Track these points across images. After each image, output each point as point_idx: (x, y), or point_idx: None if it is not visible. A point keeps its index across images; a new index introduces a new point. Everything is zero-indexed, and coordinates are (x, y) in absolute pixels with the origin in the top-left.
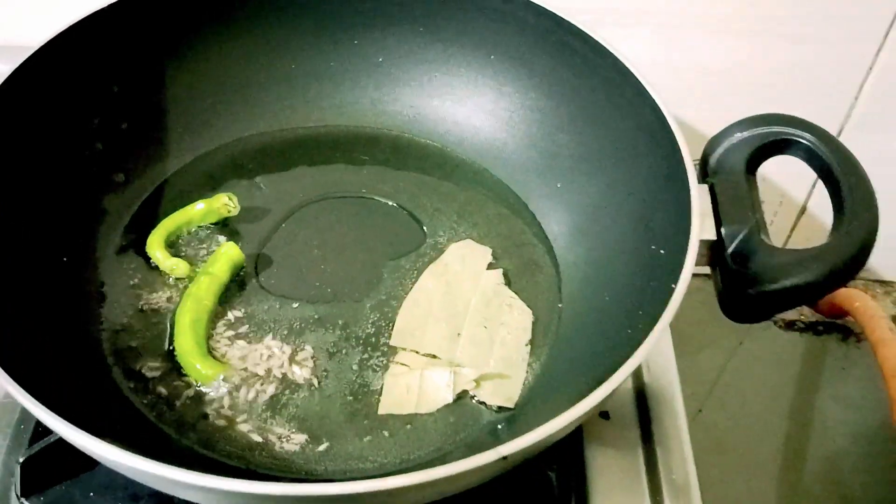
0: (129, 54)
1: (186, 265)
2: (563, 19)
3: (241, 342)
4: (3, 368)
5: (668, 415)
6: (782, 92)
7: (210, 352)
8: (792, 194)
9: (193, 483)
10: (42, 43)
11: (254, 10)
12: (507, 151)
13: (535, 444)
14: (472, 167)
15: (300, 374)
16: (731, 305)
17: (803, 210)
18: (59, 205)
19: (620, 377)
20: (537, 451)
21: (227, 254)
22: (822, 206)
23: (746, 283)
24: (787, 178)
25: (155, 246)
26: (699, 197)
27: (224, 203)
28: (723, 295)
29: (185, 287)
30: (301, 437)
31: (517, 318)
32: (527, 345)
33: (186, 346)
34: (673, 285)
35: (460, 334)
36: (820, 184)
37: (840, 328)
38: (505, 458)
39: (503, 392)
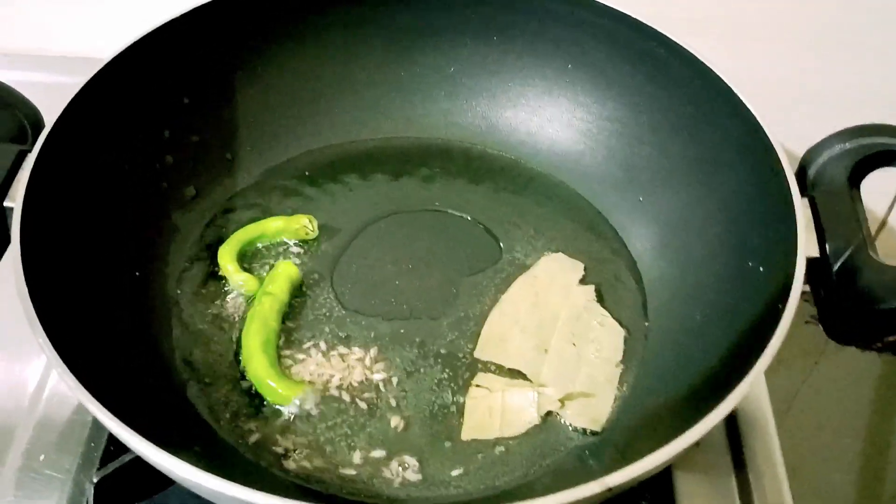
0: (199, 66)
1: (256, 281)
2: (645, 25)
3: (315, 361)
4: (84, 386)
5: (760, 440)
6: (875, 106)
7: (283, 372)
8: (872, 207)
9: None
10: (113, 55)
11: (324, 22)
12: (584, 164)
13: (641, 475)
14: (548, 180)
15: (379, 394)
16: (837, 327)
17: (883, 223)
18: (131, 219)
19: (729, 406)
20: (639, 481)
21: (286, 272)
22: None
23: (855, 303)
24: (865, 188)
25: (226, 258)
26: (802, 210)
27: (303, 225)
28: (827, 316)
29: (251, 304)
30: (382, 462)
31: (608, 336)
32: (617, 365)
33: (260, 368)
34: (781, 306)
35: (547, 350)
36: None
37: None
38: (610, 489)
39: (589, 413)
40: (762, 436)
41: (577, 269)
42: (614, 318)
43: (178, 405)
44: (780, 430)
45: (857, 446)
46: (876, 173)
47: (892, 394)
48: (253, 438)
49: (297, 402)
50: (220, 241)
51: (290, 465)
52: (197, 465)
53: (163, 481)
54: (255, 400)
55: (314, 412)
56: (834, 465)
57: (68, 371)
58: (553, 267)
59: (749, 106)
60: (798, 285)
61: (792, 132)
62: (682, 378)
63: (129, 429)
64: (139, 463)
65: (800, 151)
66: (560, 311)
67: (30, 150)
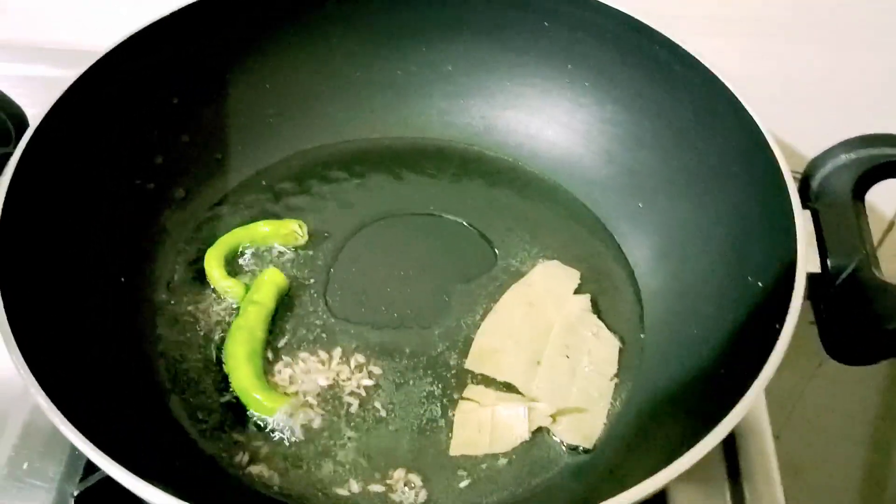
0: (190, 64)
1: (242, 287)
2: (648, 27)
3: (301, 370)
4: (47, 394)
5: (756, 449)
6: (883, 107)
7: (268, 382)
8: (880, 209)
9: None
10: (103, 53)
11: (318, 20)
12: (583, 167)
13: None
14: (546, 183)
15: (366, 406)
16: (837, 346)
17: (891, 226)
18: (117, 222)
19: (726, 429)
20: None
21: (272, 280)
22: None
23: (857, 323)
24: (873, 190)
25: (213, 263)
26: (803, 224)
27: (293, 230)
28: (827, 334)
29: (237, 311)
30: (365, 476)
31: (602, 348)
32: (611, 379)
33: (245, 379)
34: (778, 325)
35: (540, 363)
36: None
37: None
38: None
39: (582, 430)
40: (758, 445)
41: (572, 277)
42: (610, 329)
43: (160, 418)
44: (781, 433)
45: (860, 451)
46: None
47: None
48: (238, 454)
49: (282, 414)
50: (210, 244)
51: (273, 481)
52: (169, 490)
53: None
54: (240, 412)
55: (299, 426)
56: (835, 469)
57: (41, 390)
58: (548, 275)
59: (752, 113)
60: (797, 305)
61: (800, 136)
62: (677, 395)
63: (102, 453)
64: None
65: (809, 155)
66: (554, 321)
67: (12, 152)
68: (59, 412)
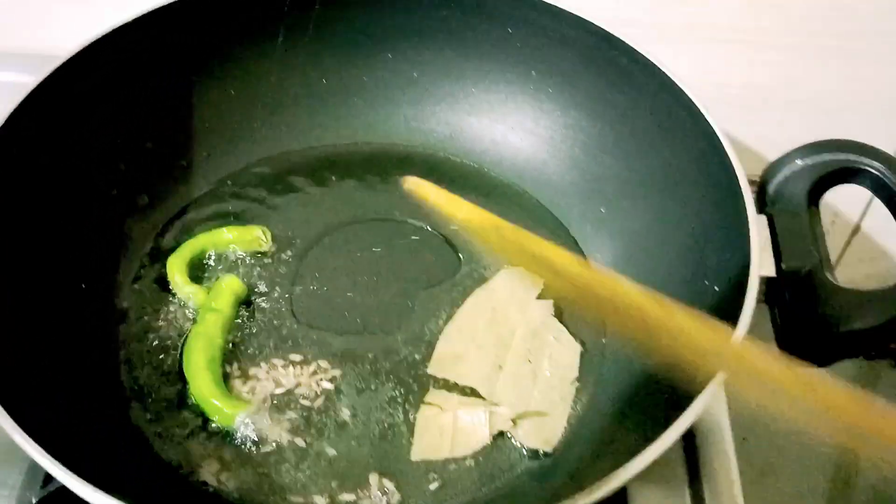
0: (154, 70)
1: (204, 293)
2: (611, 34)
3: (263, 377)
4: (2, 405)
5: (715, 451)
6: (841, 112)
7: (228, 389)
8: (845, 212)
9: None
10: (66, 57)
11: (284, 26)
12: (547, 173)
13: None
14: (511, 189)
15: (328, 411)
16: (792, 349)
17: (857, 230)
18: (78, 227)
19: (677, 431)
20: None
21: (230, 287)
22: (877, 225)
23: (810, 326)
24: (839, 194)
25: (175, 269)
26: (758, 229)
27: (256, 236)
28: (783, 337)
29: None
30: (330, 484)
31: (564, 353)
32: (572, 383)
33: (204, 387)
34: (731, 328)
35: (502, 367)
36: (876, 202)
37: (894, 354)
38: None
39: (542, 434)
40: (718, 446)
41: (535, 283)
42: (571, 334)
43: (121, 426)
44: (750, 434)
45: (828, 453)
46: None
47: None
48: (199, 462)
49: (242, 421)
50: (173, 251)
51: (235, 490)
52: (128, 500)
53: None
54: (200, 420)
55: (260, 432)
56: (803, 471)
57: None
58: (510, 281)
59: (710, 119)
60: (749, 308)
61: (761, 142)
62: (636, 398)
63: (60, 465)
64: None
65: (770, 159)
66: (517, 326)
67: None
68: (14, 423)
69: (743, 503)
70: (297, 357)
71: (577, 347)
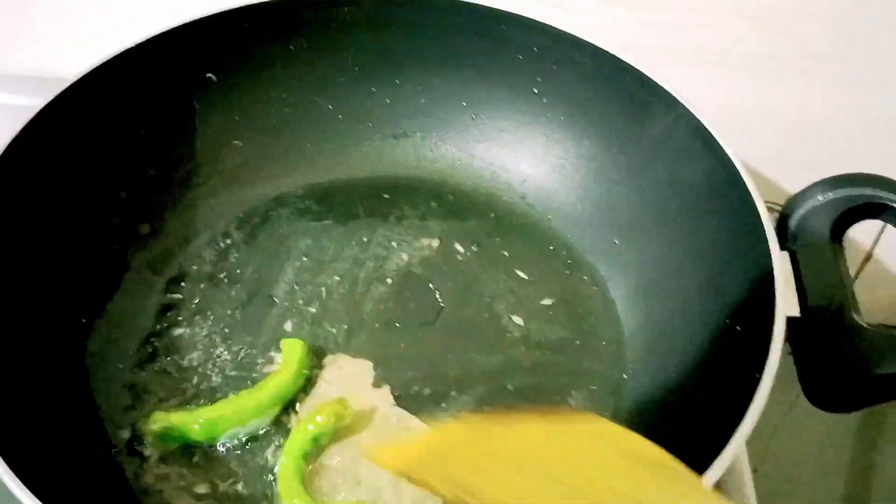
0: (157, 96)
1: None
2: (623, 61)
3: None
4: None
5: (734, 487)
6: (860, 140)
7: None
8: (857, 238)
9: None
10: (71, 80)
11: (290, 52)
12: (559, 201)
13: None
14: (523, 217)
15: None
16: (817, 392)
17: (869, 257)
18: (78, 257)
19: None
20: None
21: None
22: (890, 252)
23: (836, 369)
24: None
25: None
26: (782, 266)
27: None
28: (808, 380)
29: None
30: None
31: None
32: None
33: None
34: (758, 374)
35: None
36: (889, 229)
37: None
38: None
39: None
40: (736, 482)
41: (363, 368)
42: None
43: (111, 470)
44: (759, 466)
45: (838, 483)
46: None
47: (874, 429)
48: None
49: None
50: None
51: None
52: None
53: None
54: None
55: None
56: (815, 499)
57: None
58: (340, 374)
59: (727, 150)
60: (777, 351)
61: (780, 171)
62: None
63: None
64: None
65: (790, 189)
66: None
67: None
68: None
69: None
70: None
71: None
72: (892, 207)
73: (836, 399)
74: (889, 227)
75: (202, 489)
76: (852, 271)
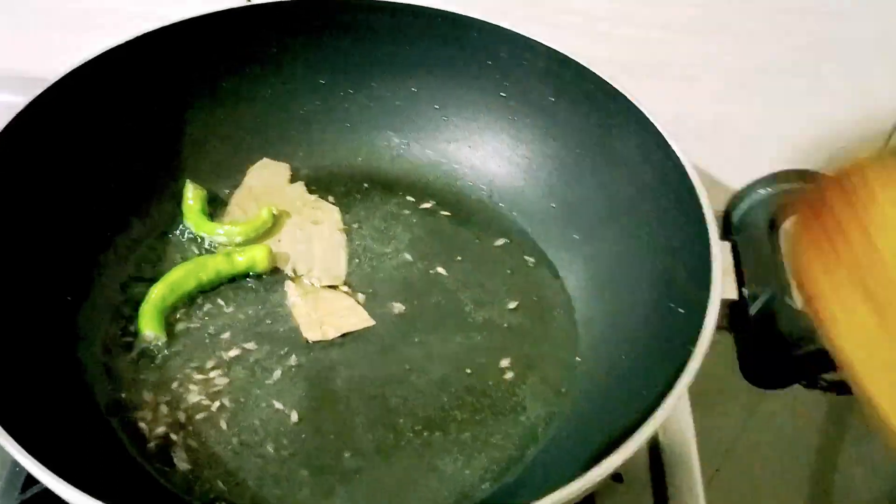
0: (144, 93)
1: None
2: (586, 68)
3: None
4: None
5: (684, 477)
6: (809, 145)
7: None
8: None
9: None
10: (57, 78)
11: (271, 54)
12: (525, 199)
13: None
14: (492, 213)
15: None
16: (753, 370)
17: None
18: (66, 244)
19: (632, 446)
20: None
21: (257, 255)
22: None
23: (769, 348)
24: None
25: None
26: (721, 255)
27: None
28: (744, 358)
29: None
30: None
31: (327, 214)
32: (341, 231)
33: (156, 296)
34: (691, 348)
35: (280, 241)
36: None
37: None
38: None
39: (331, 272)
40: (686, 473)
41: (282, 169)
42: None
43: (103, 437)
44: (723, 466)
45: (802, 484)
46: None
47: (837, 433)
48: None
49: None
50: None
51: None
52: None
53: None
54: (179, 429)
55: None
56: (782, 500)
57: None
58: (262, 173)
59: (676, 149)
60: (710, 326)
61: (729, 174)
62: (605, 420)
63: (28, 454)
64: None
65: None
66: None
67: None
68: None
69: None
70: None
71: (335, 208)
72: None
73: (766, 376)
74: None
75: None
76: None
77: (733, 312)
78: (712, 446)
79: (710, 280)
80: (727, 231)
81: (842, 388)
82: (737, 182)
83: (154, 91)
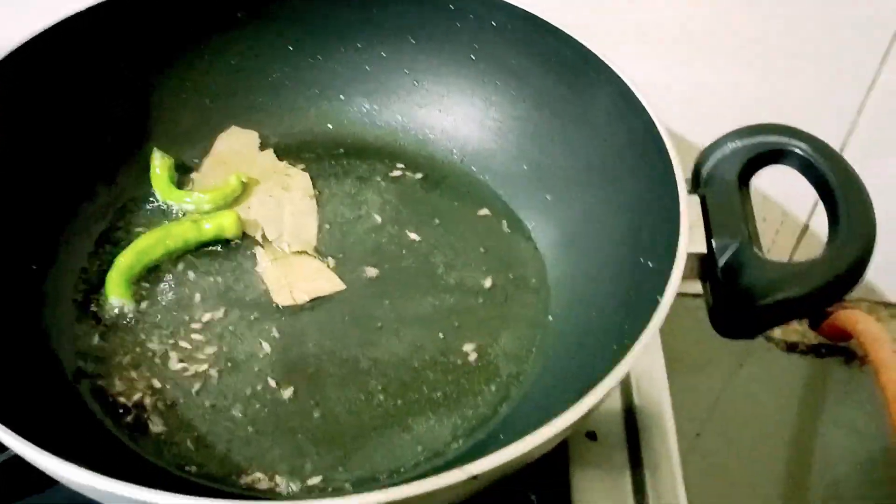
0: (111, 56)
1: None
2: (558, 28)
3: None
4: None
5: (658, 437)
6: (780, 110)
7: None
8: (793, 212)
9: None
10: (19, 44)
11: (239, 20)
12: (496, 162)
13: (508, 462)
14: (464, 177)
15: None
16: (721, 320)
17: (805, 229)
18: (31, 211)
19: (600, 393)
20: (512, 469)
21: (224, 222)
22: (824, 225)
23: (737, 298)
24: (788, 196)
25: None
26: (688, 208)
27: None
28: (713, 310)
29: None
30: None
31: (297, 181)
32: (311, 197)
33: (123, 263)
34: (659, 297)
35: (250, 207)
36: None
37: (843, 351)
38: (475, 477)
39: (302, 238)
40: (660, 433)
41: (251, 137)
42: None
43: (68, 401)
44: (703, 430)
45: (782, 447)
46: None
47: (816, 396)
48: (140, 431)
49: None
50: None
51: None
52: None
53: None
54: (150, 392)
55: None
56: (757, 467)
57: None
58: (230, 141)
59: (648, 108)
60: (676, 278)
61: (701, 136)
62: (576, 375)
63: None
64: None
65: None
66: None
67: None
68: None
69: (683, 486)
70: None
71: (305, 175)
72: (793, 152)
73: (733, 326)
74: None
75: None
76: (789, 246)
77: (704, 265)
78: (693, 411)
79: (678, 232)
80: (696, 185)
81: (820, 351)
82: (707, 143)
83: (119, 57)
